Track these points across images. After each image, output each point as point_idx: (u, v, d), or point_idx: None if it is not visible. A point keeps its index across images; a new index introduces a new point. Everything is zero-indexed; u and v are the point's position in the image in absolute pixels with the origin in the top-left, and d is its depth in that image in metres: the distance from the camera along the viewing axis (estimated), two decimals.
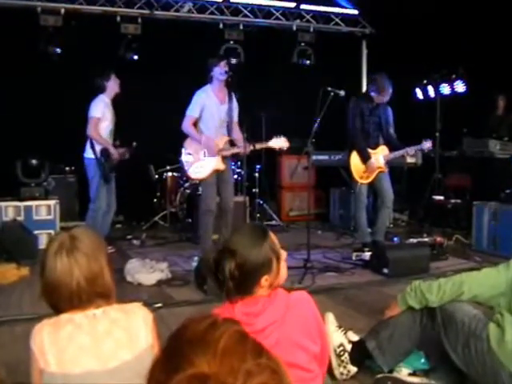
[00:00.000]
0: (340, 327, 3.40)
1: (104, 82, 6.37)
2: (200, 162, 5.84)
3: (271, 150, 8.32)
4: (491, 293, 2.94)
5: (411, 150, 6.35)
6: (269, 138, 5.98)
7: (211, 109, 5.83)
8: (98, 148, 6.29)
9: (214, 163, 5.84)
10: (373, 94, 6.23)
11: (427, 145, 6.32)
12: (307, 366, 2.18)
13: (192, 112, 5.81)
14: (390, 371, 3.21)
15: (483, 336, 2.80)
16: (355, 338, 3.39)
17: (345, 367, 3.27)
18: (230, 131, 5.95)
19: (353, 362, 3.29)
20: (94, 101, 6.31)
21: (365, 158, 6.20)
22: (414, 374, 3.24)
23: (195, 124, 5.88)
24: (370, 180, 6.27)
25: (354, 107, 6.28)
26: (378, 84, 6.16)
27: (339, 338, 3.33)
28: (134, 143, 6.65)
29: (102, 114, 6.29)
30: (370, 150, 6.27)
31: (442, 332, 2.95)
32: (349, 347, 3.32)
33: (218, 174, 5.90)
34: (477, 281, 2.98)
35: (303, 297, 2.25)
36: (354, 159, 6.27)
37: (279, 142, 5.88)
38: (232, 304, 2.12)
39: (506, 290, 2.89)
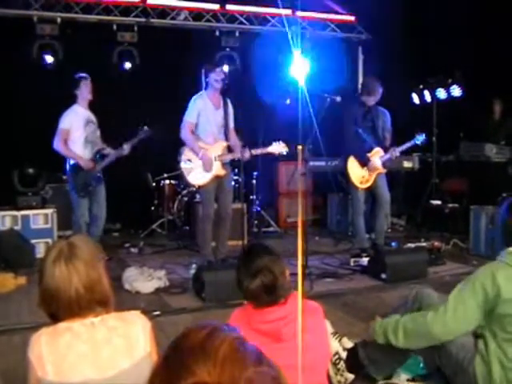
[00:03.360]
0: (335, 334, 3.40)
1: (74, 91, 6.20)
2: (200, 168, 5.83)
3: (268, 157, 8.37)
4: (469, 328, 2.74)
5: (405, 146, 6.41)
6: (266, 144, 6.00)
7: (207, 114, 5.83)
8: (71, 161, 6.16)
9: (215, 169, 5.83)
10: (364, 97, 6.29)
11: (421, 138, 6.36)
12: (326, 365, 2.49)
13: (189, 117, 5.82)
14: (389, 377, 3.20)
15: (469, 370, 2.73)
16: (349, 344, 3.40)
17: (342, 375, 3.27)
18: (227, 137, 5.95)
19: (349, 370, 3.28)
20: (64, 112, 6.15)
21: (364, 162, 6.23)
22: (412, 380, 3.22)
23: (193, 130, 5.87)
24: (369, 184, 6.29)
25: (346, 113, 6.34)
26: (368, 86, 6.27)
27: (334, 346, 3.32)
28: (145, 127, 6.34)
29: (69, 125, 6.10)
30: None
31: (434, 351, 2.93)
32: (344, 355, 3.32)
33: (218, 180, 5.89)
34: (447, 329, 2.72)
35: (317, 305, 2.48)
36: (352, 165, 6.28)
37: (279, 148, 5.91)
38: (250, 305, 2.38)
39: (482, 315, 2.68)
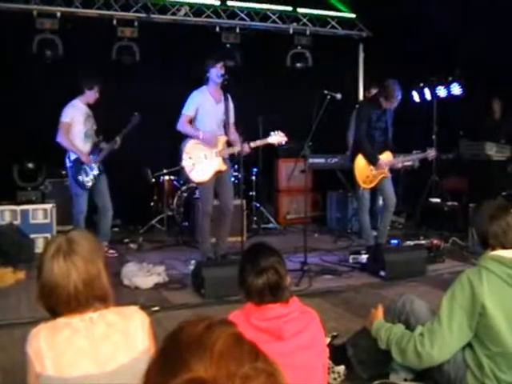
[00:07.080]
0: None
1: (85, 88, 6.37)
2: (201, 165, 5.78)
3: (268, 153, 8.37)
4: (463, 343, 2.76)
5: (415, 157, 6.42)
6: (265, 136, 5.97)
7: (207, 108, 5.80)
8: (72, 156, 6.33)
9: (217, 164, 5.79)
10: (382, 99, 6.13)
11: (432, 153, 6.38)
12: (325, 363, 2.51)
13: (187, 111, 5.79)
14: (387, 375, 3.18)
15: None
16: (327, 340, 3.42)
17: (333, 372, 3.27)
18: (227, 132, 5.93)
19: (338, 363, 3.29)
20: (65, 106, 6.33)
21: (373, 162, 6.18)
22: (411, 380, 3.19)
23: (191, 123, 5.83)
24: (373, 185, 6.26)
25: (362, 112, 6.26)
26: (389, 90, 6.04)
27: None
28: (136, 114, 6.59)
29: (70, 118, 6.29)
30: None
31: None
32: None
33: (218, 176, 5.85)
34: (446, 354, 2.75)
35: (313, 311, 2.48)
36: (359, 163, 6.22)
37: (277, 138, 5.84)
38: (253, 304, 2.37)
39: (473, 331, 2.71)
